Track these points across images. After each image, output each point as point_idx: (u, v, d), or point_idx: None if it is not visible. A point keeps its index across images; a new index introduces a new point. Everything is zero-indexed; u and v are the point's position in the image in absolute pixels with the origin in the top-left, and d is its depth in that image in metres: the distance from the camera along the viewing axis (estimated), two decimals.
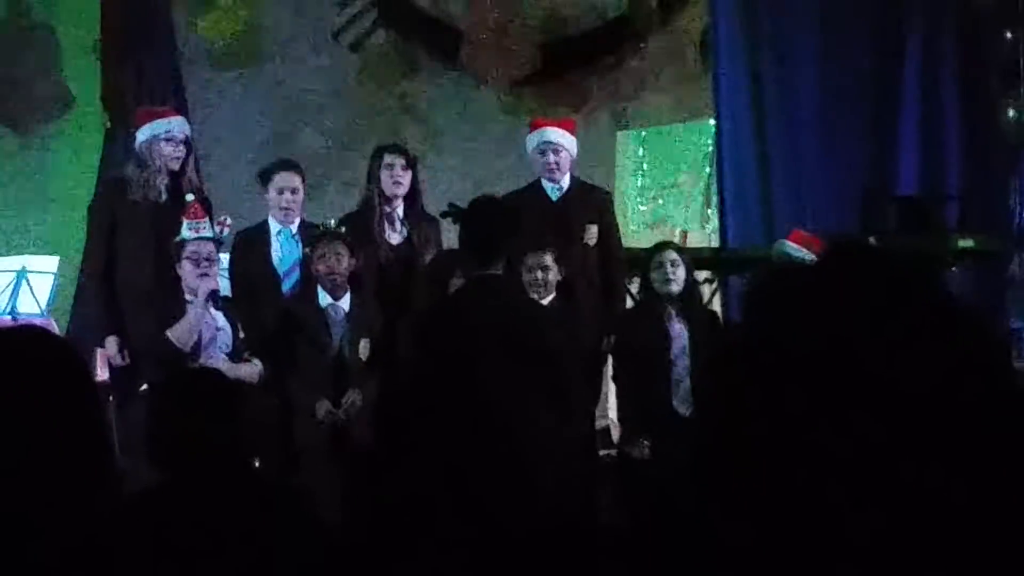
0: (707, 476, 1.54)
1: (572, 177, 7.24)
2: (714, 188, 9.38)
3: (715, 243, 9.24)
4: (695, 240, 9.65)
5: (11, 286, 7.39)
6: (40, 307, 7.43)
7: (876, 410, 1.43)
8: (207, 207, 6.65)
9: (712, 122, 9.29)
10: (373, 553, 3.33)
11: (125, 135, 8.17)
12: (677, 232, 9.74)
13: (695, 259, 7.21)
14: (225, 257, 6.84)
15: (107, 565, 2.52)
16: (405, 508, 3.32)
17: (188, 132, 6.94)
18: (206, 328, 6.33)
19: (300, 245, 6.82)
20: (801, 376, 1.47)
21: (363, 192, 7.14)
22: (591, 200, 7.26)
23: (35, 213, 9.82)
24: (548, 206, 7.11)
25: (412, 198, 7.08)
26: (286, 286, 6.85)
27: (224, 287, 6.71)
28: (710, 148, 9.69)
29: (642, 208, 10.16)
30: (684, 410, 6.53)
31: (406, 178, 7.02)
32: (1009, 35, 8.32)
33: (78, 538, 2.45)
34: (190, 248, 6.35)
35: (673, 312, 6.70)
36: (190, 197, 6.52)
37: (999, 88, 8.35)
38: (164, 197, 6.70)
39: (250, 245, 6.90)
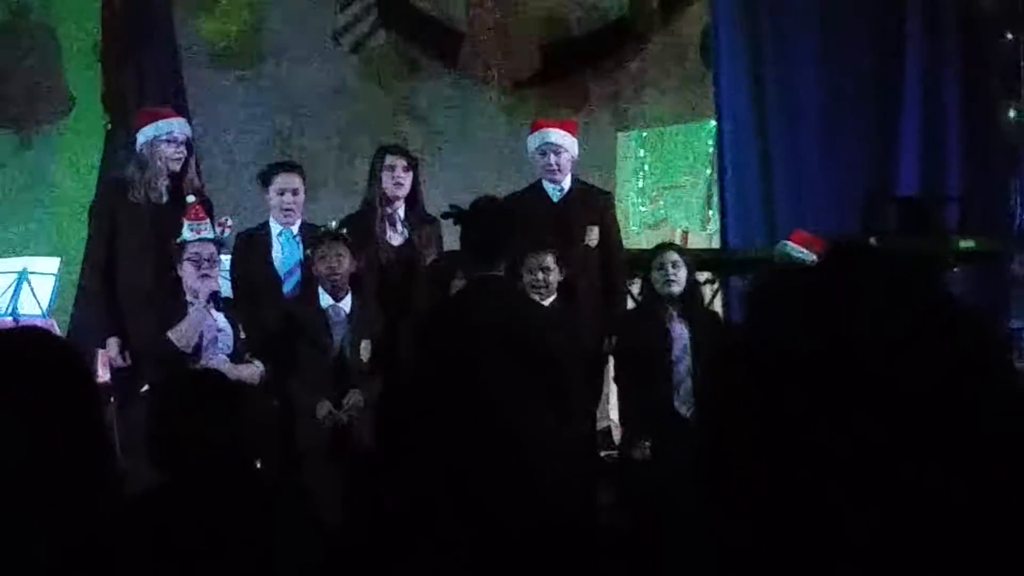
0: (708, 477, 1.54)
1: (573, 178, 7.24)
2: (715, 189, 9.39)
3: (716, 244, 9.24)
4: (696, 241, 9.65)
5: (12, 287, 7.39)
6: (41, 308, 7.44)
7: (876, 410, 1.43)
8: (208, 208, 6.66)
9: (713, 123, 9.29)
10: (373, 554, 3.33)
11: (126, 136, 8.16)
12: (678, 233, 9.74)
13: (696, 260, 7.21)
14: (226, 258, 6.84)
15: (108, 566, 2.52)
16: (406, 509, 3.32)
17: (189, 133, 6.94)
18: (207, 329, 6.33)
19: (301, 246, 6.83)
20: (802, 377, 1.47)
21: (364, 193, 7.15)
22: (592, 201, 7.26)
23: (36, 214, 9.82)
24: (549, 207, 7.11)
25: (413, 199, 7.09)
26: (287, 287, 6.85)
27: (225, 288, 6.71)
28: (711, 149, 9.69)
29: (643, 209, 10.16)
30: (685, 411, 6.53)
31: (407, 179, 7.02)
32: (1010, 36, 8.33)
33: (79, 539, 2.45)
34: (191, 249, 6.35)
35: (674, 313, 6.71)
36: (191, 198, 6.53)
37: (1000, 89, 8.36)
38: (165, 198, 6.71)
39: (251, 246, 6.91)
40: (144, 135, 6.79)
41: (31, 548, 2.41)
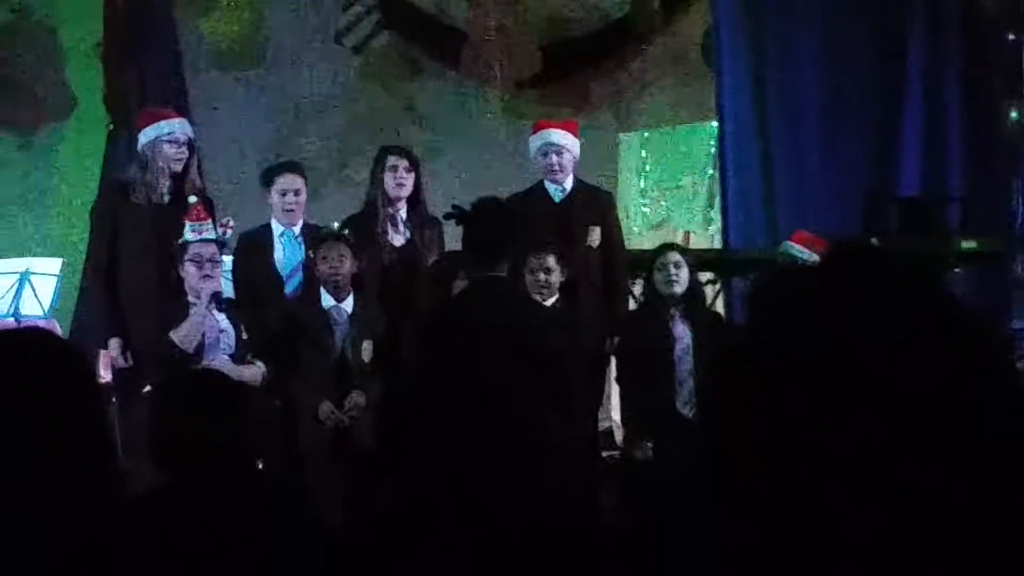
0: (710, 477, 1.54)
1: (575, 179, 7.24)
2: (717, 189, 9.39)
3: (718, 244, 9.24)
4: (698, 241, 9.65)
5: (14, 288, 7.40)
6: (43, 309, 7.44)
7: (877, 410, 1.43)
8: (210, 209, 6.65)
9: (714, 123, 9.29)
10: (375, 555, 3.33)
11: (127, 137, 8.17)
12: (680, 233, 9.74)
13: (698, 260, 7.21)
14: (228, 259, 6.84)
15: (109, 566, 2.52)
16: (407, 509, 3.32)
17: (190, 134, 6.93)
18: (209, 330, 6.33)
19: (303, 247, 6.82)
20: (803, 377, 1.47)
21: (366, 194, 7.14)
22: (594, 202, 7.26)
23: (38, 215, 9.83)
24: (551, 208, 7.11)
25: (415, 200, 7.08)
26: (289, 288, 6.85)
27: (227, 289, 6.71)
28: (712, 149, 9.69)
29: (645, 209, 10.16)
30: (687, 412, 6.53)
31: (409, 180, 7.02)
32: (1012, 37, 8.33)
33: (81, 539, 2.46)
34: (193, 250, 6.35)
35: (676, 314, 6.70)
36: (193, 199, 6.52)
37: (1001, 89, 8.35)
38: (167, 199, 6.70)
39: (253, 247, 6.91)
40: (146, 135, 6.79)
41: (32, 548, 2.42)
